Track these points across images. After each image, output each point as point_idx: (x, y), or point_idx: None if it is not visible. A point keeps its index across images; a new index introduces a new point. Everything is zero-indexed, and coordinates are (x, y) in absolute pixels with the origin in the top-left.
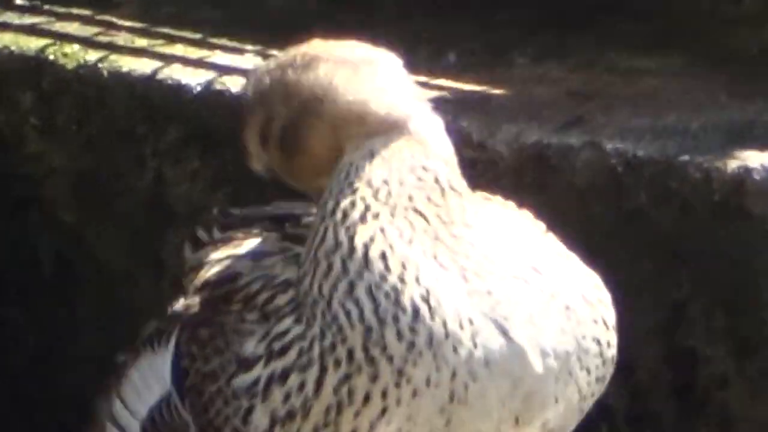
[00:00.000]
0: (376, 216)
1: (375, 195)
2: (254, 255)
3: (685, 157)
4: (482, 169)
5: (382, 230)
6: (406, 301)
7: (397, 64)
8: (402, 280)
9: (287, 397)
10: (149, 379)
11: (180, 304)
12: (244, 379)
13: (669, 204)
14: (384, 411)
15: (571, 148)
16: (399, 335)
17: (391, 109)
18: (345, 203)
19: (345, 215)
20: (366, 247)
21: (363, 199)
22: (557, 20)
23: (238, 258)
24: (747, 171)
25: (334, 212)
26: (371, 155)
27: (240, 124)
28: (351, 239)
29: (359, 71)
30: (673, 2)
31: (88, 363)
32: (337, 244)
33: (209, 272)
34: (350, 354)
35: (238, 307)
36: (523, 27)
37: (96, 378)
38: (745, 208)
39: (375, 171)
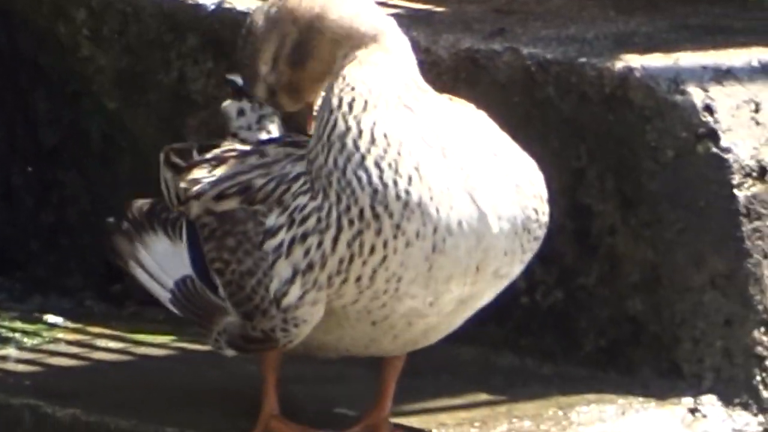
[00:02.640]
0: (375, 107)
1: (370, 92)
2: (263, 164)
3: (583, 59)
4: (427, 69)
5: (381, 117)
6: (403, 169)
7: None
8: (399, 153)
9: (307, 252)
10: (172, 259)
11: (188, 209)
12: (270, 243)
13: (570, 95)
14: (384, 258)
15: (496, 52)
16: (397, 196)
17: (371, 26)
18: (347, 98)
19: (350, 107)
20: (371, 129)
21: (361, 95)
22: None
23: (246, 170)
24: (630, 69)
25: (340, 106)
26: (361, 63)
27: (247, 53)
28: (358, 124)
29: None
30: None
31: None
32: (348, 128)
33: (223, 187)
34: (361, 213)
35: (258, 208)
36: None
37: None
38: (629, 98)
39: (367, 75)
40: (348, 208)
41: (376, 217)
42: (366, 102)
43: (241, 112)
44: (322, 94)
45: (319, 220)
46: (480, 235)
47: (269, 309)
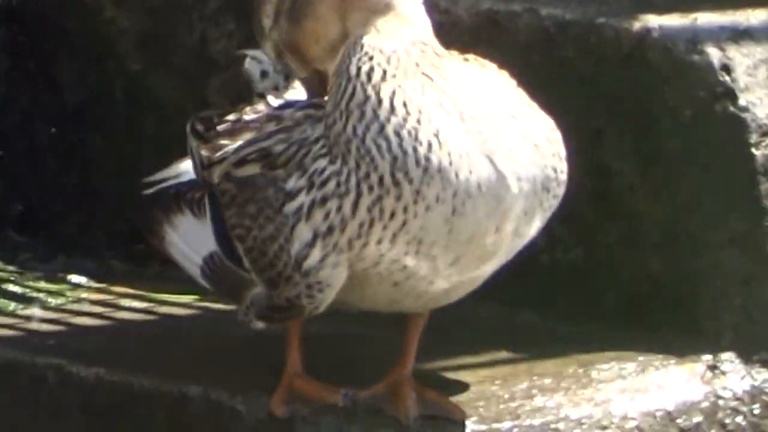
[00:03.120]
0: (393, 76)
1: (388, 61)
2: (283, 128)
3: (602, 20)
4: (447, 30)
5: (400, 86)
6: (422, 136)
7: None
8: (419, 121)
9: (327, 216)
10: (199, 235)
11: (210, 175)
12: (290, 206)
13: (589, 55)
14: (404, 223)
15: (516, 12)
16: (417, 162)
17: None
18: (366, 68)
19: (369, 77)
20: (391, 98)
21: (380, 64)
22: None
23: (265, 136)
24: (648, 30)
25: (358, 74)
26: (378, 31)
27: (254, 5)
28: (377, 93)
29: None
30: None
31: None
32: (366, 97)
33: (243, 153)
34: (381, 179)
35: (278, 173)
36: None
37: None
38: (647, 59)
39: (384, 43)
40: (368, 175)
41: (396, 183)
42: (384, 71)
43: (264, 74)
44: (337, 61)
45: (338, 185)
46: (499, 197)
47: (292, 275)
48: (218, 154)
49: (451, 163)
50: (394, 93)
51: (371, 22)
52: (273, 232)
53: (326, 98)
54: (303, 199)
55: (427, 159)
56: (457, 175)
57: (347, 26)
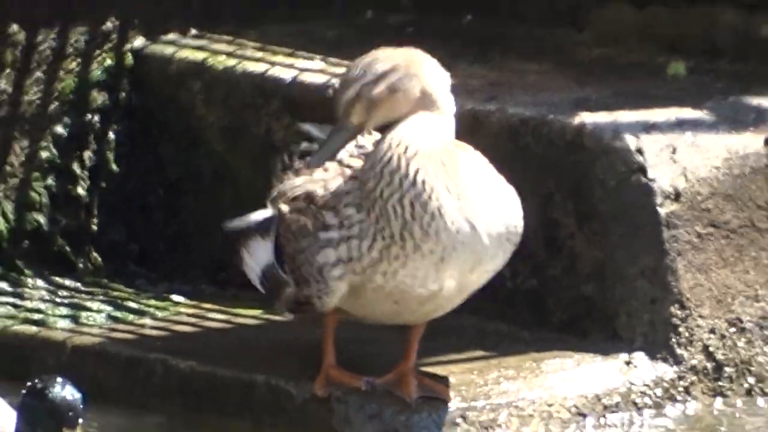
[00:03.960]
0: (422, 156)
1: (421, 145)
2: (324, 178)
3: (551, 116)
4: None
5: (423, 166)
6: (428, 209)
7: (436, 62)
8: (429, 197)
9: (349, 249)
10: (262, 252)
11: (273, 211)
12: (324, 235)
13: (542, 141)
14: (404, 263)
15: (490, 111)
16: (420, 227)
17: (442, 97)
18: (405, 143)
19: (405, 150)
20: (415, 173)
21: (414, 145)
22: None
23: (312, 180)
24: (584, 124)
25: (398, 146)
26: (424, 120)
27: (347, 99)
28: (407, 166)
29: (425, 65)
30: (545, 36)
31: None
32: (399, 167)
33: (296, 192)
34: (392, 234)
35: (316, 208)
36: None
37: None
38: (583, 143)
39: (424, 131)
40: (383, 229)
41: (402, 238)
42: (417, 151)
43: (311, 139)
44: (389, 131)
45: (361, 230)
46: (474, 249)
47: (310, 280)
48: (281, 188)
49: (444, 229)
50: (417, 170)
51: (421, 113)
52: (306, 246)
53: (362, 153)
54: (334, 233)
55: (429, 225)
56: (447, 236)
57: (406, 112)
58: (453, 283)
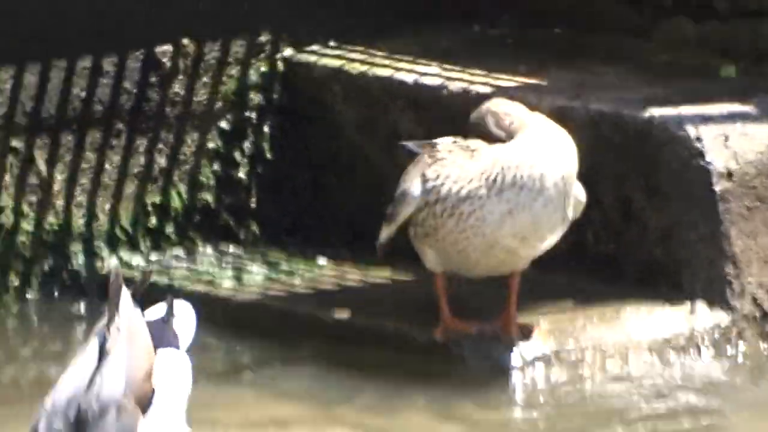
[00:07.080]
0: (516, 168)
1: (519, 162)
2: (438, 162)
3: (626, 111)
4: None
5: (513, 176)
6: (494, 218)
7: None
8: (509, 211)
9: (424, 220)
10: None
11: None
12: (418, 184)
13: (618, 131)
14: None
15: (574, 107)
16: (488, 227)
17: (520, 127)
18: (504, 159)
19: (507, 162)
20: (501, 184)
21: (515, 160)
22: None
23: (429, 165)
24: (652, 116)
25: (504, 160)
26: (523, 139)
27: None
28: (503, 176)
29: (516, 113)
30: (621, 44)
31: (365, 201)
32: (483, 173)
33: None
34: (457, 224)
35: (425, 174)
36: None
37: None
38: (652, 133)
39: (521, 148)
40: (451, 215)
41: (462, 231)
42: (518, 165)
43: (410, 152)
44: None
45: (444, 208)
46: (537, 219)
47: (395, 202)
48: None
49: (499, 229)
50: (507, 180)
51: (521, 133)
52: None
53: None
54: (425, 191)
55: (491, 232)
56: (500, 230)
57: (513, 132)
58: (498, 255)
